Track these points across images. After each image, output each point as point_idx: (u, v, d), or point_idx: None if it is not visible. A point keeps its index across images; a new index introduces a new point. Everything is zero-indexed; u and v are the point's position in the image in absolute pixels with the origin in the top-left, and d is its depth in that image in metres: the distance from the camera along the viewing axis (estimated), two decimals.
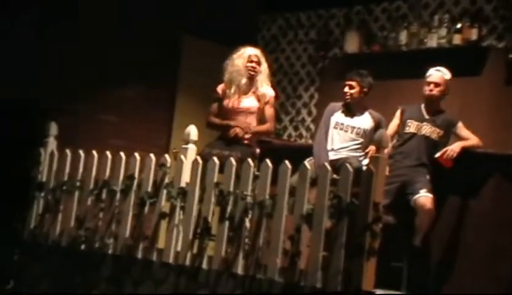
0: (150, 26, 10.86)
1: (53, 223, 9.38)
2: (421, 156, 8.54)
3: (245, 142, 8.66)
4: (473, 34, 9.46)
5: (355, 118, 8.78)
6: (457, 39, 9.56)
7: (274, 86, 9.14)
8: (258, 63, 8.83)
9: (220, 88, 8.93)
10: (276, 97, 9.23)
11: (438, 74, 8.71)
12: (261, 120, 8.86)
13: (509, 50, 9.30)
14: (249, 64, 8.73)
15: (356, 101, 8.79)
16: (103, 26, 10.54)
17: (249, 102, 8.73)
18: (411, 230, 8.31)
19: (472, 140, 8.56)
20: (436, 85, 8.69)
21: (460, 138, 8.58)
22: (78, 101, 10.20)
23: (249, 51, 8.83)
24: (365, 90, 8.80)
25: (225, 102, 8.79)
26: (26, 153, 9.76)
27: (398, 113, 8.80)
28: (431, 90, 8.70)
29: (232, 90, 8.72)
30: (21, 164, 9.79)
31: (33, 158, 9.63)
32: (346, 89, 8.83)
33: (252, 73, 8.77)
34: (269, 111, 8.87)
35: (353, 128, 8.73)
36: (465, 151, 8.45)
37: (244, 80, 8.68)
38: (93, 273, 8.86)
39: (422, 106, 8.76)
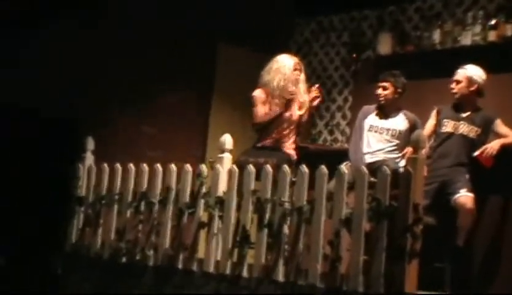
0: (185, 36, 10.91)
1: (94, 236, 9.48)
2: (459, 155, 8.50)
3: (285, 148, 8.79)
4: (509, 30, 9.41)
5: (390, 119, 8.81)
6: (492, 36, 9.52)
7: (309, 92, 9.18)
8: (300, 71, 8.90)
9: (261, 93, 8.94)
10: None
11: (460, 71, 8.73)
12: (299, 124, 8.94)
13: None
14: (295, 73, 8.77)
15: (390, 103, 8.81)
16: (138, 38, 10.61)
17: (293, 110, 8.77)
18: (452, 231, 8.28)
19: (511, 137, 8.48)
20: (457, 82, 8.71)
21: (498, 135, 8.54)
22: (114, 113, 10.26)
23: (293, 60, 8.94)
24: (399, 90, 8.80)
25: (268, 109, 8.80)
26: (65, 168, 9.87)
27: (433, 113, 8.79)
28: (452, 88, 8.72)
29: (281, 99, 8.76)
30: (61, 179, 9.90)
31: (72, 173, 9.74)
32: (379, 91, 8.84)
33: (296, 79, 8.81)
34: (306, 116, 9.03)
35: (388, 129, 8.75)
36: (504, 148, 8.37)
37: (293, 89, 8.71)
38: (135, 284, 8.92)
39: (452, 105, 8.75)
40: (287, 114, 8.85)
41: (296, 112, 8.89)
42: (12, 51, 10.50)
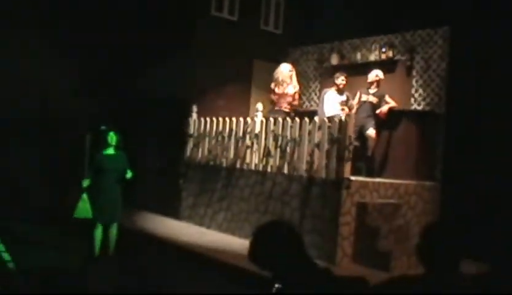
0: (238, 58, 10.50)
1: (197, 153, 9.58)
2: (369, 112, 8.45)
3: (287, 110, 8.55)
4: (390, 53, 9.31)
5: (340, 95, 8.64)
6: (383, 56, 9.39)
7: (298, 81, 9.05)
8: (292, 71, 8.71)
9: (273, 85, 8.66)
10: (300, 87, 9.09)
11: (373, 72, 8.64)
12: (294, 98, 8.63)
13: (406, 61, 9.12)
14: (290, 72, 8.61)
15: (342, 86, 8.64)
16: (217, 61, 10.18)
17: (289, 89, 8.51)
18: (366, 148, 8.32)
19: (392, 103, 8.53)
20: (372, 77, 8.62)
21: (387, 103, 8.54)
22: (205, 94, 10.11)
23: (289, 66, 8.72)
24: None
25: (277, 90, 8.57)
26: (183, 121, 9.87)
27: (358, 93, 8.69)
28: (369, 81, 8.61)
29: (283, 85, 8.51)
30: (181, 126, 9.92)
31: (186, 122, 9.80)
32: (343, 80, 8.65)
33: (291, 76, 8.64)
34: (297, 95, 8.73)
35: (338, 100, 8.60)
36: (390, 109, 8.45)
37: (288, 80, 8.59)
38: (217, 175, 9.06)
39: (366, 87, 8.69)
40: (285, 92, 8.54)
41: (289, 92, 8.52)
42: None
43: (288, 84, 8.55)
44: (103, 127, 7.20)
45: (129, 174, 6.94)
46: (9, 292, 5.32)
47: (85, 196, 6.84)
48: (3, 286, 5.41)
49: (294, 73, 8.74)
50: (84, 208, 6.82)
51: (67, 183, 8.69)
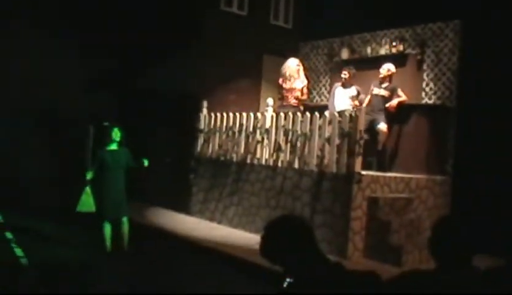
0: (248, 53, 10.56)
1: (208, 148, 9.59)
2: (380, 106, 8.35)
3: (295, 104, 8.49)
4: (401, 47, 9.25)
5: (348, 89, 8.61)
6: (394, 50, 9.34)
7: (307, 75, 9.00)
8: (299, 66, 8.69)
9: (280, 80, 8.61)
10: (308, 81, 8.99)
11: (384, 66, 8.50)
12: (302, 93, 8.55)
13: (417, 55, 9.07)
14: (297, 67, 8.55)
15: (348, 81, 8.63)
16: (226, 56, 10.19)
17: (297, 84, 8.50)
18: (376, 142, 8.24)
19: (403, 97, 8.43)
20: (383, 71, 8.50)
21: (398, 96, 8.47)
22: (215, 90, 10.10)
23: (296, 61, 8.69)
24: (352, 75, 8.68)
25: (285, 85, 8.56)
26: (193, 116, 9.89)
27: (371, 88, 8.52)
28: (381, 75, 8.47)
29: (290, 80, 8.47)
30: (191, 121, 9.94)
31: (196, 118, 9.80)
32: (345, 74, 8.64)
33: (298, 70, 8.61)
34: (305, 89, 8.65)
35: (347, 94, 8.56)
36: (400, 103, 8.36)
37: (296, 75, 8.58)
38: (227, 170, 9.06)
39: (379, 81, 8.63)
40: (293, 87, 8.46)
41: (297, 87, 8.42)
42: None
43: (295, 79, 8.50)
44: (106, 123, 7.23)
45: (146, 163, 7.01)
46: (10, 292, 5.33)
47: (88, 189, 6.83)
48: (4, 286, 5.42)
49: (301, 68, 8.68)
50: (87, 201, 6.81)
51: (73, 179, 8.73)
